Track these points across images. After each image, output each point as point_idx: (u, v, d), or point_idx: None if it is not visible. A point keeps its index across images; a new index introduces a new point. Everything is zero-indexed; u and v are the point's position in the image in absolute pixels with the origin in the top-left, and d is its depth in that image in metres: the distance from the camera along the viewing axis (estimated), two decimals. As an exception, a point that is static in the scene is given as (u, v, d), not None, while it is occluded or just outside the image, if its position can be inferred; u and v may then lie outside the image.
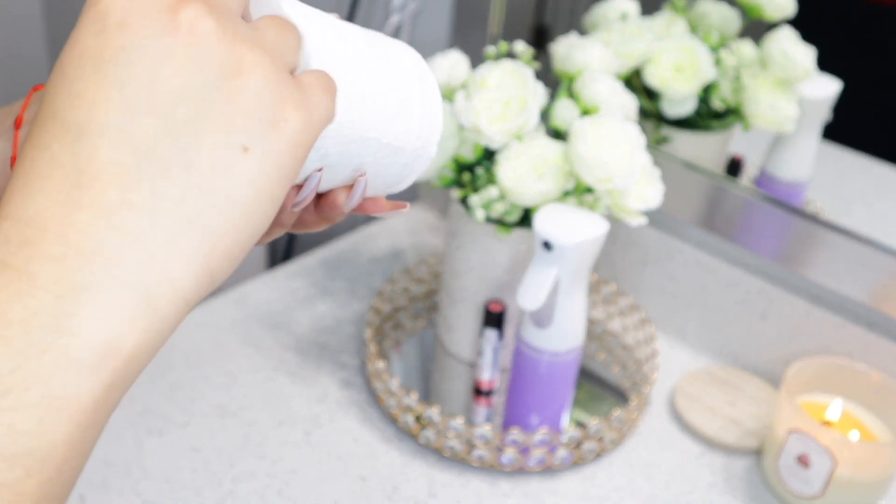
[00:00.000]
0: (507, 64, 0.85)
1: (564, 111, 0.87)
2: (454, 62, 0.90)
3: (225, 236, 0.31)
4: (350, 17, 1.20)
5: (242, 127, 0.31)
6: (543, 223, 0.81)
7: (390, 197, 0.80)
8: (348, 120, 0.40)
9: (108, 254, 0.28)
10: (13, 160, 0.45)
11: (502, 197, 0.85)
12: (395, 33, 1.18)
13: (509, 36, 1.03)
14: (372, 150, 0.43)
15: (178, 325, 0.30)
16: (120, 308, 0.29)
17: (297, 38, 0.35)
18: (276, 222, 0.43)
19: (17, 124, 0.45)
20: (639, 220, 0.86)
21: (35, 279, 0.28)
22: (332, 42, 0.40)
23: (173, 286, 0.30)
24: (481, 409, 0.93)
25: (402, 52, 0.45)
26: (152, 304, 0.29)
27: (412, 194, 1.25)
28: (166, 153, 0.29)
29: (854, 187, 0.98)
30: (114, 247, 0.29)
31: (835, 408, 0.88)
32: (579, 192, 0.85)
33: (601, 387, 1.00)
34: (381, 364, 0.90)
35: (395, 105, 0.43)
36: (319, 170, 0.41)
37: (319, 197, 0.45)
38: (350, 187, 0.44)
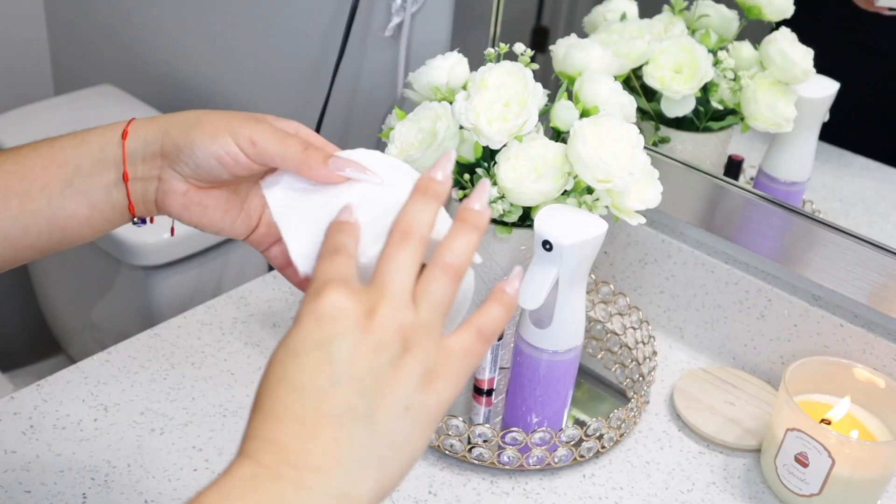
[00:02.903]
0: (506, 64, 0.85)
1: (564, 112, 0.87)
2: (454, 63, 0.91)
3: (392, 465, 0.46)
4: (350, 17, 1.20)
5: (404, 393, 0.46)
6: (543, 223, 0.81)
7: None
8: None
9: (325, 470, 0.44)
10: (131, 207, 0.63)
11: (502, 197, 0.85)
12: (396, 33, 1.19)
13: (509, 37, 1.03)
14: None
15: None
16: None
17: (446, 306, 0.48)
18: None
19: (125, 179, 0.62)
20: (638, 220, 0.86)
21: (280, 477, 0.44)
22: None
23: (360, 498, 0.45)
24: (481, 409, 0.93)
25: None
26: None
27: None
28: (358, 409, 0.45)
29: (852, 188, 0.99)
30: (327, 465, 0.44)
31: (836, 407, 0.88)
32: (579, 192, 0.85)
33: (601, 386, 1.00)
34: (381, 363, 0.90)
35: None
36: None
37: None
38: None
